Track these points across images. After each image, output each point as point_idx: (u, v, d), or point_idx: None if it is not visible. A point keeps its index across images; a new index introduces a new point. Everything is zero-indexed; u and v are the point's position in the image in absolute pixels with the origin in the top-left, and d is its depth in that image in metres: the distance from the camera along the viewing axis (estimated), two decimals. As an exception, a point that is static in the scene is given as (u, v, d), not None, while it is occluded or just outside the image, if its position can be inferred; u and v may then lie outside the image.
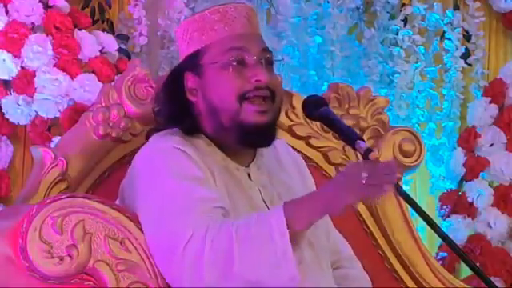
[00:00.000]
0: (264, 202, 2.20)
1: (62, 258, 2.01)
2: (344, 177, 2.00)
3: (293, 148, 2.50)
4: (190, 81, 2.21)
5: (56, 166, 2.56)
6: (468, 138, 3.58)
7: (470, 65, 3.69)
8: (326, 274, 2.24)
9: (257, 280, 1.96)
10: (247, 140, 2.17)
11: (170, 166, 2.10)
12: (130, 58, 3.32)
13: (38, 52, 3.08)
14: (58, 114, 3.08)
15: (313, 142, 2.78)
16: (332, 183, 2.08)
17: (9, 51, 3.09)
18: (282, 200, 2.15)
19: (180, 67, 2.25)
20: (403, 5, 3.63)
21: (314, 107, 2.20)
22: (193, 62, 2.20)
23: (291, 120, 2.78)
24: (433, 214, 3.50)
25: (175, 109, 2.23)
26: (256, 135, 2.16)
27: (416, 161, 2.86)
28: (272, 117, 2.18)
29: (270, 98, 2.16)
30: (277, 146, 2.30)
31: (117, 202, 2.22)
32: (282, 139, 2.43)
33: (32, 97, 3.10)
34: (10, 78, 3.11)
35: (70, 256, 2.01)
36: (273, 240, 1.95)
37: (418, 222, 3.15)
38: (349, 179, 1.97)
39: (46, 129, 3.12)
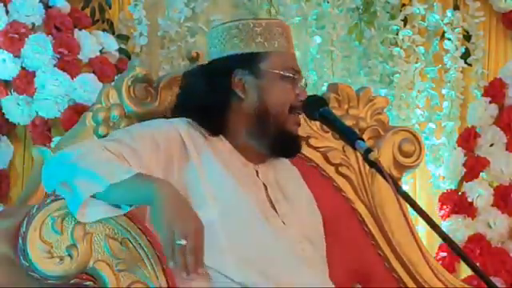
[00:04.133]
0: (269, 198, 2.24)
1: (62, 258, 2.00)
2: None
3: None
4: (243, 77, 2.24)
5: (56, 166, 2.56)
6: (468, 138, 3.58)
7: (470, 65, 3.69)
8: (323, 271, 2.28)
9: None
10: (283, 147, 2.27)
11: (146, 124, 2.27)
12: (130, 58, 3.32)
13: (38, 52, 3.09)
14: (58, 114, 3.08)
15: (313, 142, 2.77)
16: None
17: (9, 51, 3.09)
18: (288, 201, 2.24)
19: (230, 61, 2.27)
20: (403, 5, 3.63)
21: (314, 107, 2.22)
22: (249, 62, 2.24)
23: (291, 120, 2.77)
24: (433, 214, 3.50)
25: (214, 99, 2.25)
26: (291, 144, 2.27)
27: (416, 161, 2.86)
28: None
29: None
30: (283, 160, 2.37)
31: None
32: None
33: (32, 97, 3.10)
34: (10, 78, 3.12)
35: (70, 256, 2.01)
36: None
37: (418, 222, 3.15)
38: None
39: (46, 129, 3.12)
